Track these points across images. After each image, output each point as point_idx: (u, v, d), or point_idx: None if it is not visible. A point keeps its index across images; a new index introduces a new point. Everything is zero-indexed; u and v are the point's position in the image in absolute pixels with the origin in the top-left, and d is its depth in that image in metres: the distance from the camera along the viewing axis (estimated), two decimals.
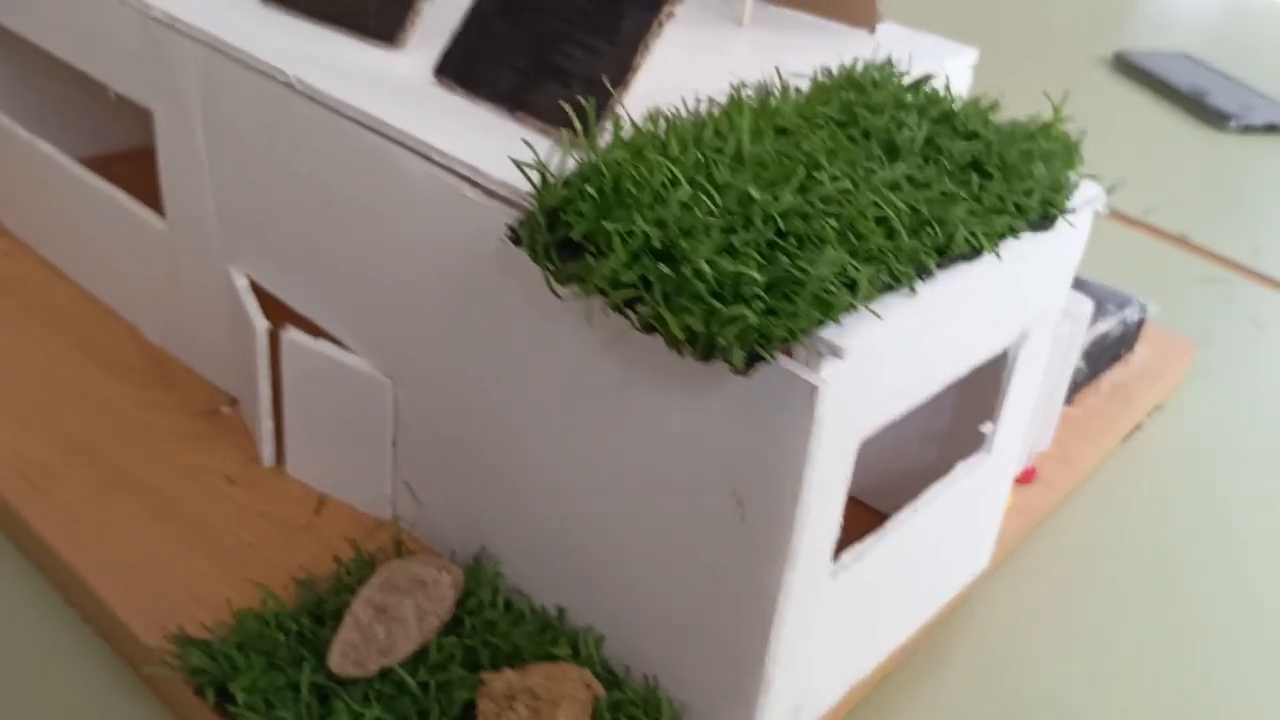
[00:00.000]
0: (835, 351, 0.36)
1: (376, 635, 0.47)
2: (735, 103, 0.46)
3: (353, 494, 0.59)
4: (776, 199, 0.39)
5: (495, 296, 0.46)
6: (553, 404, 0.46)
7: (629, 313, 0.38)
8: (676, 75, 0.50)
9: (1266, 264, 0.99)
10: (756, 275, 0.35)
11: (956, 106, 0.48)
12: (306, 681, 0.46)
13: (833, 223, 0.38)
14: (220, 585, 0.53)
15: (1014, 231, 0.42)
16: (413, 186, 0.48)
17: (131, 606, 0.51)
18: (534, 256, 0.40)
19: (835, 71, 0.51)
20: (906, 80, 0.51)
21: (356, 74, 0.52)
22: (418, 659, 0.48)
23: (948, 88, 0.49)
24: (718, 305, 0.34)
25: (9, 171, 0.74)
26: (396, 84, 0.51)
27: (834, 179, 0.41)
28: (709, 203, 0.38)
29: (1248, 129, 1.30)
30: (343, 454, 0.58)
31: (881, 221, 0.39)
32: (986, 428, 0.52)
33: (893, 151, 0.44)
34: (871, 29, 0.64)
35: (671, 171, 0.40)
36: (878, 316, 0.36)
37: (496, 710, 0.45)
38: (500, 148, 0.46)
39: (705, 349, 0.35)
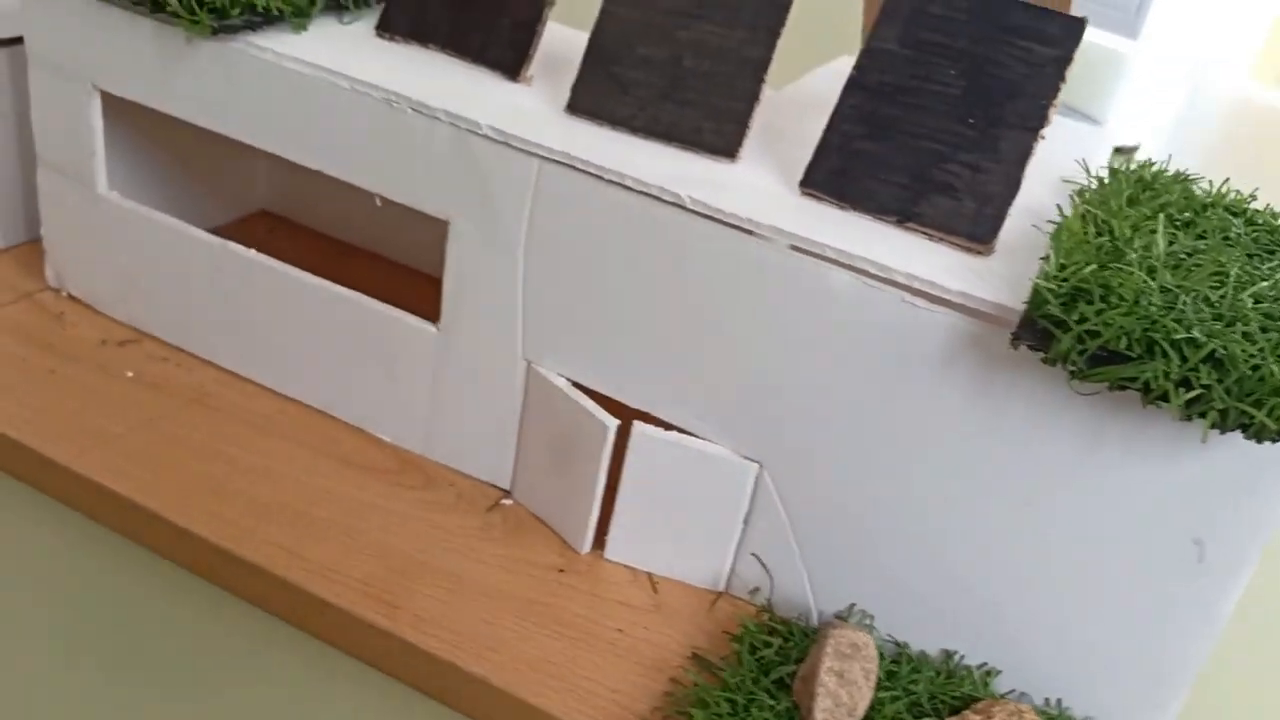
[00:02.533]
0: None
1: (843, 699, 0.53)
2: (1105, 204, 0.55)
3: (685, 571, 0.63)
4: (1235, 297, 0.48)
5: (923, 388, 0.53)
6: (989, 478, 0.53)
7: (1153, 403, 0.46)
8: None
9: None
10: None
11: (1226, 201, 0.60)
12: None
13: None
14: (625, 673, 0.56)
15: None
16: (835, 296, 0.53)
17: (571, 710, 0.54)
18: (1051, 359, 0.47)
19: (1113, 169, 0.61)
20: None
21: (727, 189, 0.56)
22: (870, 714, 0.54)
23: (1224, 186, 0.61)
24: None
25: (185, 281, 0.71)
26: (773, 198, 0.56)
27: (1255, 278, 0.50)
28: (1203, 306, 0.47)
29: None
30: (679, 534, 0.62)
31: None
32: None
33: (1237, 245, 0.55)
34: None
35: (1143, 279, 0.48)
36: None
37: None
38: (920, 258, 0.53)
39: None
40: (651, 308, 0.58)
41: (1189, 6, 3.31)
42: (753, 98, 0.59)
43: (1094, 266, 0.49)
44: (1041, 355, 0.48)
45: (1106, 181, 0.61)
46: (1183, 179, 0.61)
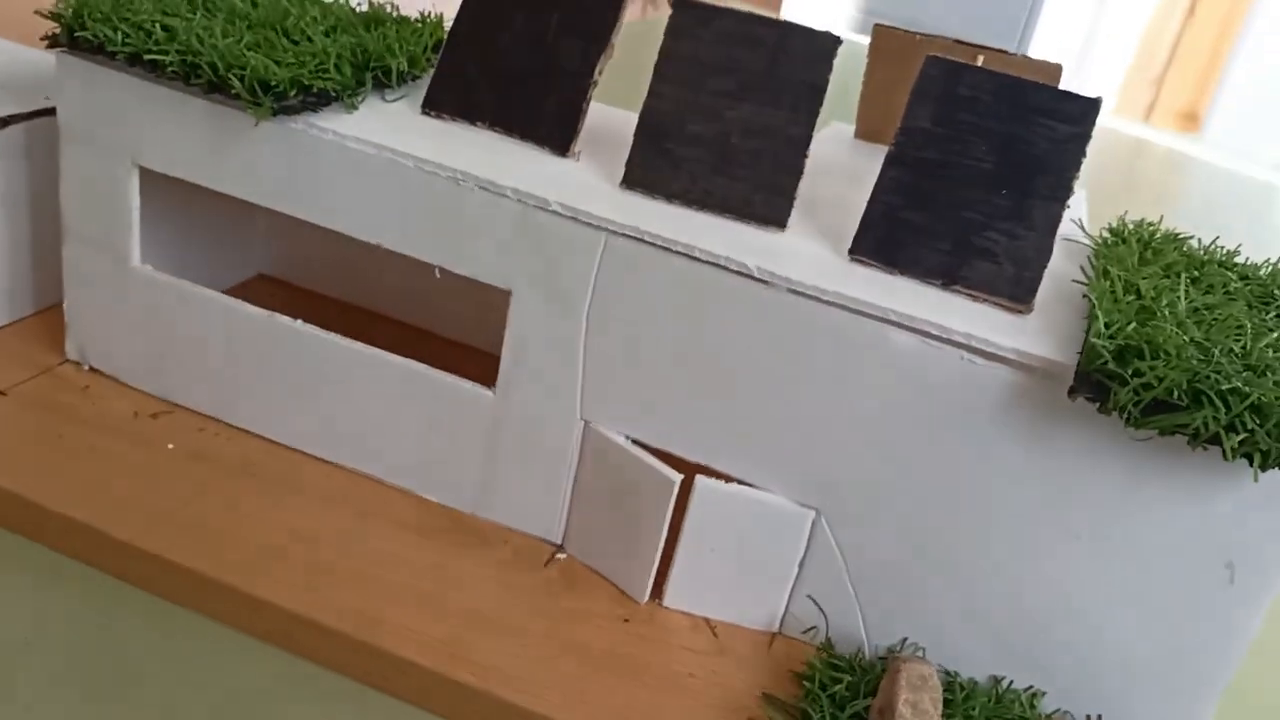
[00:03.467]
0: None
1: None
2: (1123, 264, 0.61)
3: (741, 614, 0.66)
4: (1256, 348, 0.55)
5: (977, 436, 0.58)
6: (1039, 517, 0.59)
7: (1201, 444, 0.52)
8: None
9: None
10: None
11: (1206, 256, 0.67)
12: None
13: None
14: (705, 717, 0.60)
15: None
16: (896, 355, 0.58)
17: None
18: (1106, 409, 0.53)
19: (1114, 230, 0.68)
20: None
21: (783, 257, 0.61)
22: None
23: (1213, 244, 0.68)
24: None
25: (224, 352, 0.72)
26: (825, 264, 0.61)
27: (1264, 329, 0.57)
28: (1234, 358, 0.53)
29: None
30: (736, 580, 0.65)
31: None
32: None
33: (1239, 298, 0.61)
34: None
35: (1178, 334, 0.54)
36: None
37: None
38: (974, 318, 0.58)
39: None
40: (713, 368, 0.62)
41: (1058, 49, 3.54)
42: (797, 172, 0.64)
43: (1134, 324, 0.55)
44: (1098, 406, 0.53)
45: (1110, 242, 0.67)
46: (1174, 238, 0.68)
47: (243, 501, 0.68)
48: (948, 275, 0.61)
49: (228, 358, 0.72)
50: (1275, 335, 0.57)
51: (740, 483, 0.64)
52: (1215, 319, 0.57)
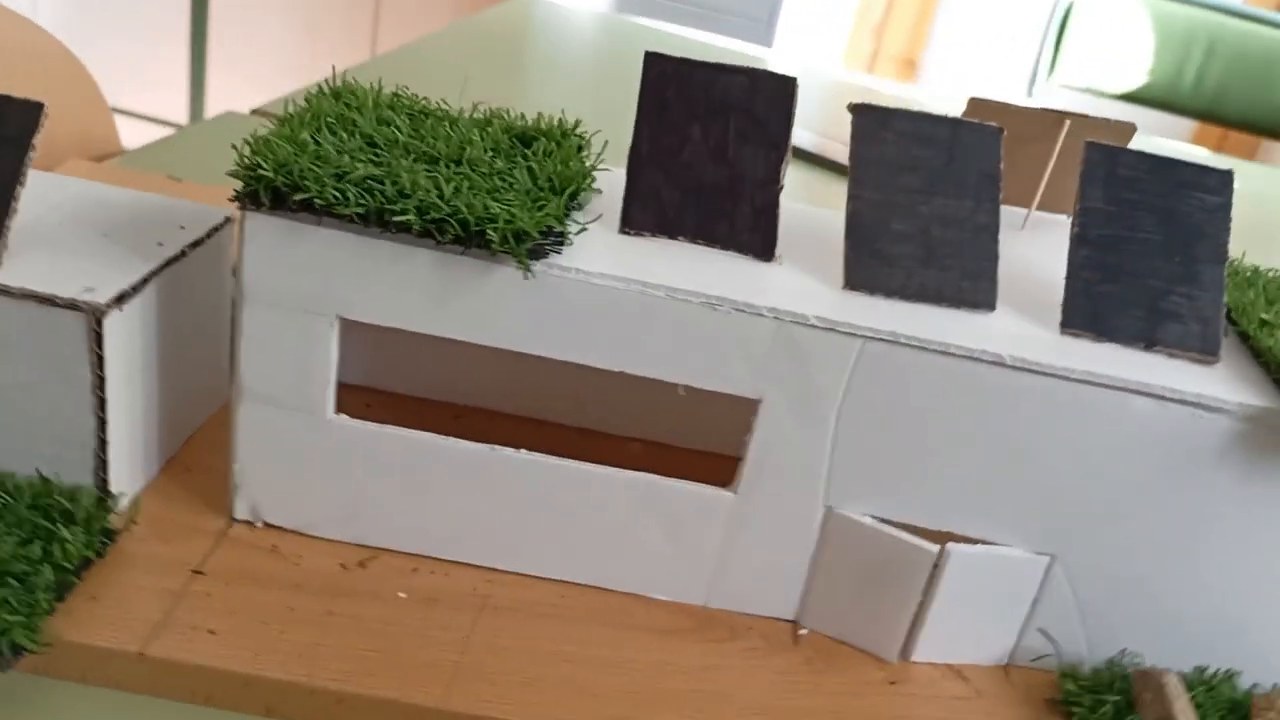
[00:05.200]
0: None
1: None
2: (1254, 302, 0.73)
3: (978, 653, 0.74)
4: None
5: (1200, 480, 0.68)
6: (1252, 540, 0.69)
7: None
8: None
9: None
10: None
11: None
12: None
13: None
14: None
15: None
16: (1135, 418, 0.67)
17: None
18: None
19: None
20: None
21: (1010, 340, 0.68)
22: None
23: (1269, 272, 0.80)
24: None
25: (434, 489, 0.71)
26: (1046, 341, 0.68)
27: None
28: None
29: None
30: (977, 625, 0.73)
31: None
32: None
33: None
34: None
35: None
36: None
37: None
38: (1185, 376, 0.68)
39: None
40: (960, 448, 0.68)
41: (802, 19, 3.77)
42: (994, 257, 0.71)
43: None
44: None
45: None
46: (1255, 270, 0.81)
47: (507, 640, 0.68)
48: (1147, 338, 0.70)
49: (437, 494, 0.71)
50: None
51: (982, 542, 0.71)
52: None
